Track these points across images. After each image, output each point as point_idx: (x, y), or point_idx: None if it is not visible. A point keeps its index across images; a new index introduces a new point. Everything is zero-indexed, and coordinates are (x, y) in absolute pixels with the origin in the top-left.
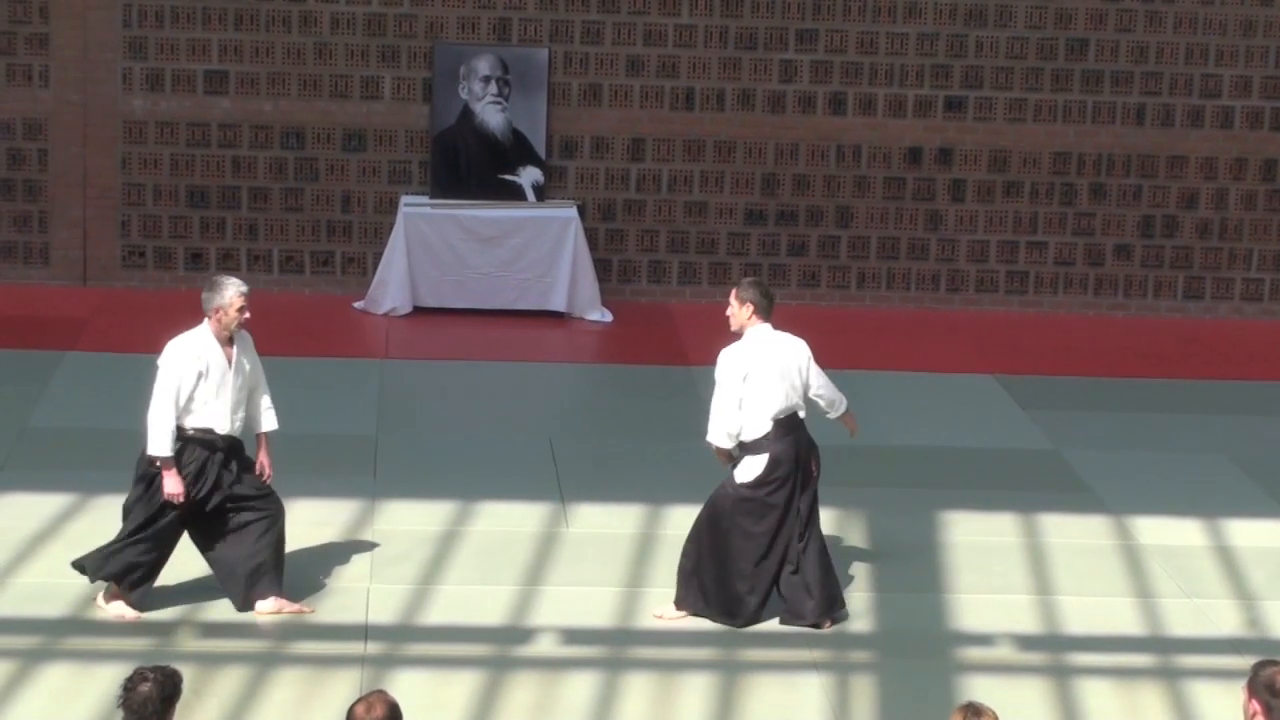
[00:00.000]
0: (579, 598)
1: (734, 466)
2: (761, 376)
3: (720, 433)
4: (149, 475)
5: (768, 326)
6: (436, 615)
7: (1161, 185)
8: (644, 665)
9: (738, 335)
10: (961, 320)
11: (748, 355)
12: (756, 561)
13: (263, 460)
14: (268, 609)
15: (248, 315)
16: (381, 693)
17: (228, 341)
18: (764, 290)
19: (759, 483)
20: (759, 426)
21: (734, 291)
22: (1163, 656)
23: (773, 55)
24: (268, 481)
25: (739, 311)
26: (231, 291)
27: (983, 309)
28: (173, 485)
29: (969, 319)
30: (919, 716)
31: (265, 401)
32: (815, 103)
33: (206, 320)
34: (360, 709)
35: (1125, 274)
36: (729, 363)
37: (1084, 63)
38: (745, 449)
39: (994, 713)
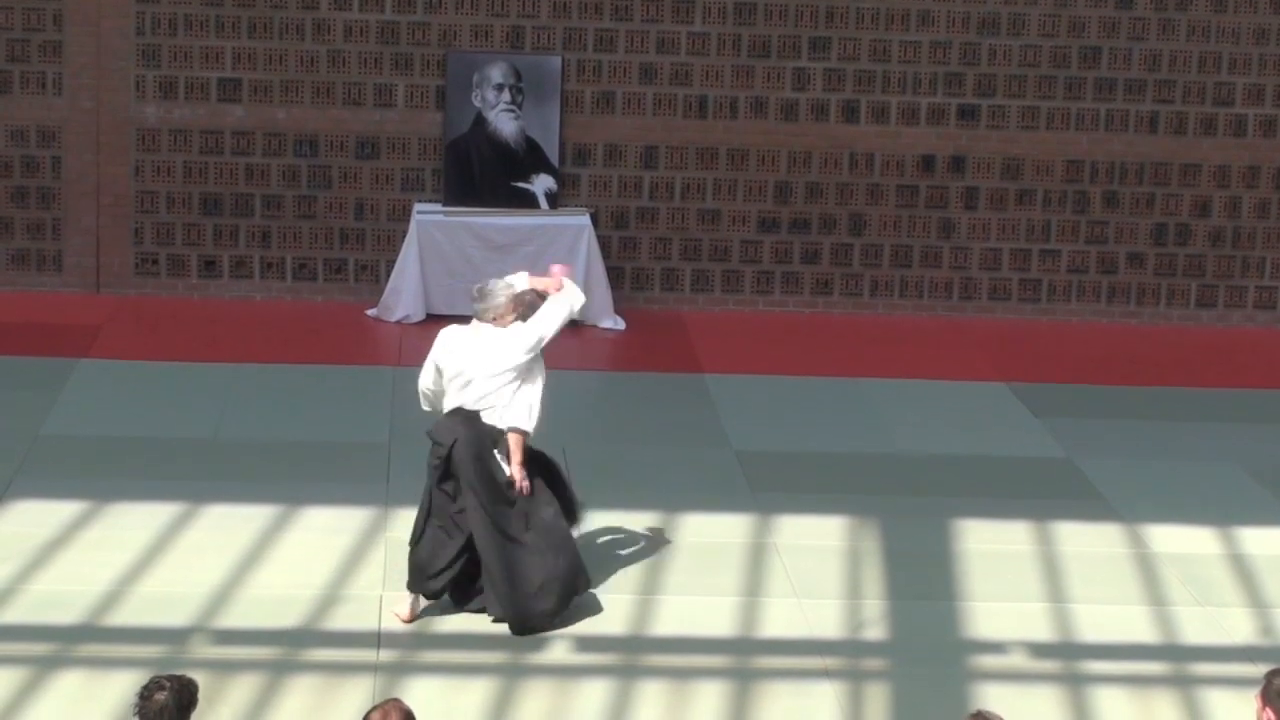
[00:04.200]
0: (591, 604)
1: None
2: None
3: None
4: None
5: None
6: (449, 623)
7: (1174, 193)
8: (657, 672)
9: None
10: (975, 328)
11: None
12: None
13: None
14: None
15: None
16: (396, 700)
17: None
18: None
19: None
20: None
21: None
22: (1176, 664)
23: (786, 63)
24: None
25: None
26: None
27: (996, 317)
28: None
29: (982, 327)
30: None
31: None
32: (828, 110)
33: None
34: (376, 716)
35: (1138, 282)
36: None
37: (1097, 71)
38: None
39: None
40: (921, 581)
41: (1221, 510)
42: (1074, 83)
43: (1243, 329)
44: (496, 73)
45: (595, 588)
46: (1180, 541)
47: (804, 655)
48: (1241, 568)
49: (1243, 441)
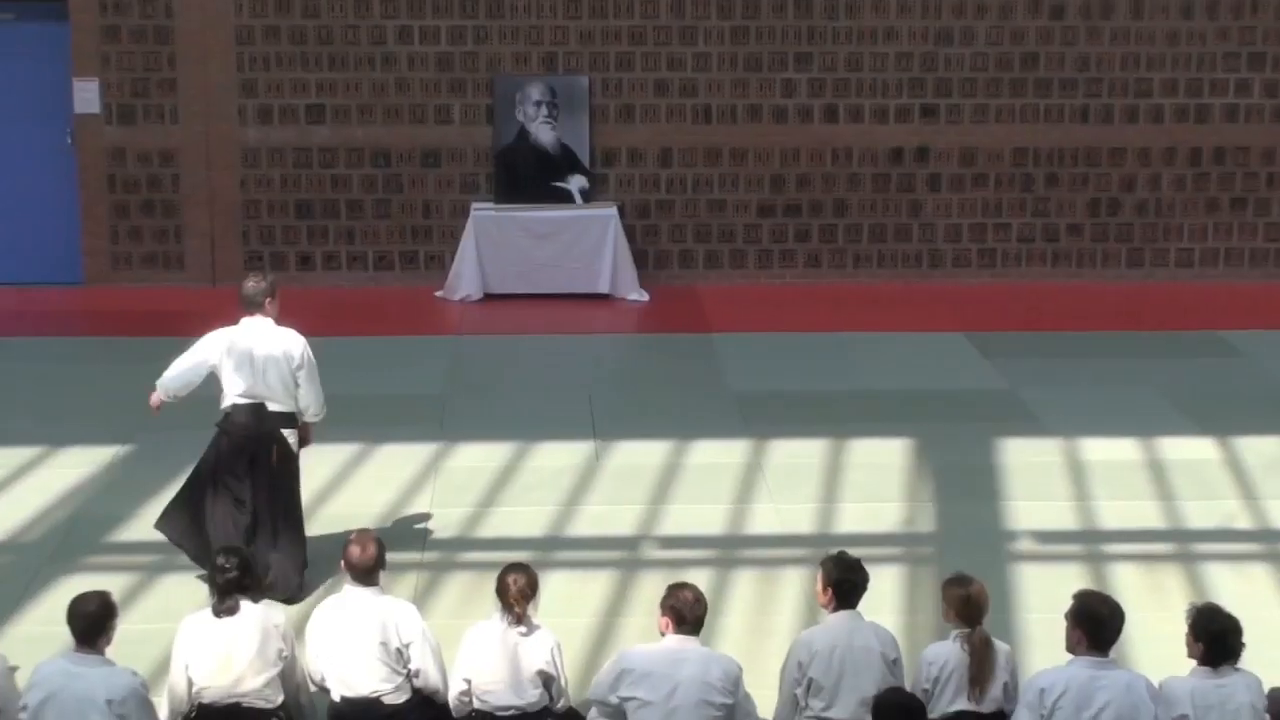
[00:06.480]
0: (607, 516)
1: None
2: None
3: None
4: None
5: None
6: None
7: (1105, 173)
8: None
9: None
10: (941, 291)
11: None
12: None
13: None
14: None
15: None
16: (367, 531)
17: None
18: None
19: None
20: None
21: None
22: (1088, 546)
23: (775, 75)
24: None
25: None
26: None
27: (959, 282)
28: None
29: (947, 290)
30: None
31: None
32: (812, 113)
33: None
34: (355, 550)
35: (1078, 248)
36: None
37: (1035, 72)
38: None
39: (982, 584)
40: (875, 488)
41: (1140, 426)
42: (1017, 83)
43: (1165, 284)
44: (535, 91)
45: (622, 503)
46: (1105, 450)
47: (777, 548)
48: (1157, 471)
49: (1160, 373)
